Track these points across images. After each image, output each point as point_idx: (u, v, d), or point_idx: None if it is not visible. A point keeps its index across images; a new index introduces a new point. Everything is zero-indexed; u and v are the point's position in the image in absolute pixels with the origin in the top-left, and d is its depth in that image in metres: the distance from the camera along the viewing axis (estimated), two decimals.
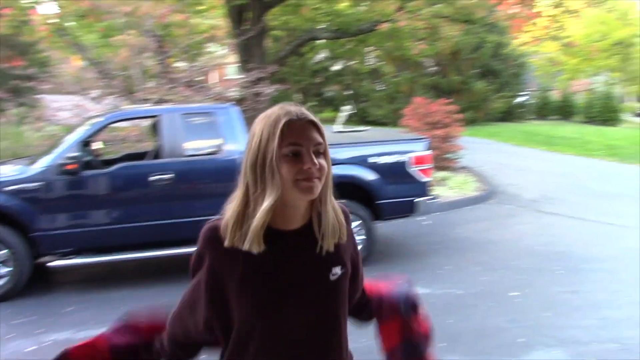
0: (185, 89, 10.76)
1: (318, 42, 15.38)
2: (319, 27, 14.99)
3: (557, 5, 15.37)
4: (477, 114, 24.41)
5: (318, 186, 1.43)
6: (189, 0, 12.75)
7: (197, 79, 11.89)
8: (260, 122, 1.46)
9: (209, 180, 6.39)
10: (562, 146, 19.18)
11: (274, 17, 14.53)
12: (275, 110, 1.46)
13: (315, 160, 1.41)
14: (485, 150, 16.23)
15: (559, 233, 8.30)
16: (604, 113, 31.06)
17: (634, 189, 11.84)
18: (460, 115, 13.02)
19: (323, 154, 1.45)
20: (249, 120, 7.47)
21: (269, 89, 11.13)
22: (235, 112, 6.68)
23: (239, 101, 9.32)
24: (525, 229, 8.59)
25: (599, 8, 28.96)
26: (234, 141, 6.44)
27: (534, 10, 16.22)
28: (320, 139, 1.45)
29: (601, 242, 7.78)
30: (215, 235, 1.46)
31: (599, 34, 33.45)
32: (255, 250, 1.42)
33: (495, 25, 23.64)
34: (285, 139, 1.41)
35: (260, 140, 1.42)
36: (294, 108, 1.46)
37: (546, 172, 14.25)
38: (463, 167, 12.80)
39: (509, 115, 28.48)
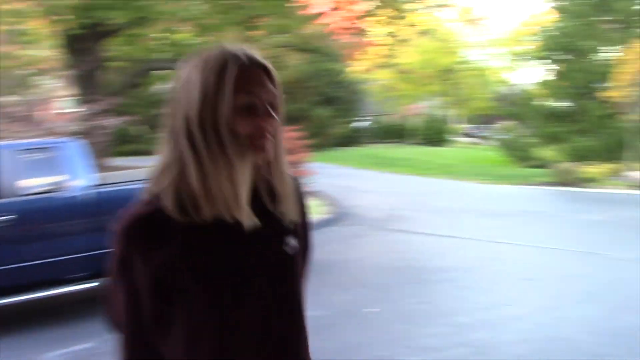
0: (17, 124, 10.05)
1: (166, 72, 15.09)
2: (162, 57, 14.72)
3: (391, 35, 16.30)
4: (321, 140, 25.19)
5: (270, 145, 1.22)
6: (16, 29, 11.98)
7: (29, 113, 11.16)
8: (200, 67, 1.19)
9: (53, 219, 5.98)
10: (402, 167, 20.29)
11: (115, 47, 14.07)
12: (217, 53, 1.20)
13: (273, 114, 1.20)
14: (331, 175, 16.73)
15: (406, 249, 8.73)
16: (436, 135, 33.36)
17: (468, 204, 12.78)
18: (306, 142, 13.34)
19: (276, 108, 1.22)
20: (94, 155, 7.14)
21: (111, 121, 10.71)
22: (77, 146, 6.35)
23: (78, 135, 8.87)
24: (376, 248, 8.94)
25: (428, 37, 31.18)
26: (78, 176, 6.11)
27: (368, 39, 17.12)
28: (274, 90, 1.22)
29: (444, 254, 8.29)
30: (147, 224, 1.18)
31: (429, 62, 36.00)
32: (254, 222, 1.21)
33: (333, 54, 24.65)
34: (238, 89, 1.17)
35: (206, 91, 1.16)
36: (239, 49, 1.21)
37: (389, 192, 14.97)
38: (312, 192, 13.08)
39: (351, 140, 29.72)
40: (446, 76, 37.63)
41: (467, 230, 9.76)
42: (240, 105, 1.17)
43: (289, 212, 1.30)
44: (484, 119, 40.75)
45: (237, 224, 1.20)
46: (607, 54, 24.89)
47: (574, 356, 4.63)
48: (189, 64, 1.21)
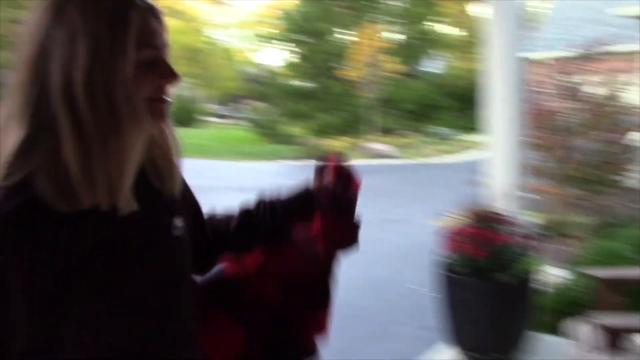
0: None
1: None
2: None
3: None
4: None
5: (169, 110, 1.01)
6: None
7: None
8: (84, 12, 0.90)
9: None
10: None
11: None
12: None
13: (176, 73, 0.98)
14: None
15: None
16: (186, 116, 33.39)
17: (225, 182, 13.12)
18: None
19: (173, 64, 0.99)
20: None
21: None
22: None
23: None
24: None
25: (175, 17, 30.82)
26: None
27: None
28: (169, 43, 0.99)
29: None
30: (23, 221, 0.88)
31: (176, 42, 35.67)
32: (134, 207, 0.95)
33: None
34: (141, 42, 0.92)
35: (98, 44, 0.89)
36: None
37: None
38: None
39: None
40: (194, 56, 37.66)
41: (229, 207, 10.05)
42: (141, 63, 0.93)
43: (176, 190, 1.09)
44: (234, 99, 41.68)
45: (118, 209, 0.95)
46: (343, 36, 27.06)
47: (339, 309, 5.10)
48: (58, 5, 0.90)
